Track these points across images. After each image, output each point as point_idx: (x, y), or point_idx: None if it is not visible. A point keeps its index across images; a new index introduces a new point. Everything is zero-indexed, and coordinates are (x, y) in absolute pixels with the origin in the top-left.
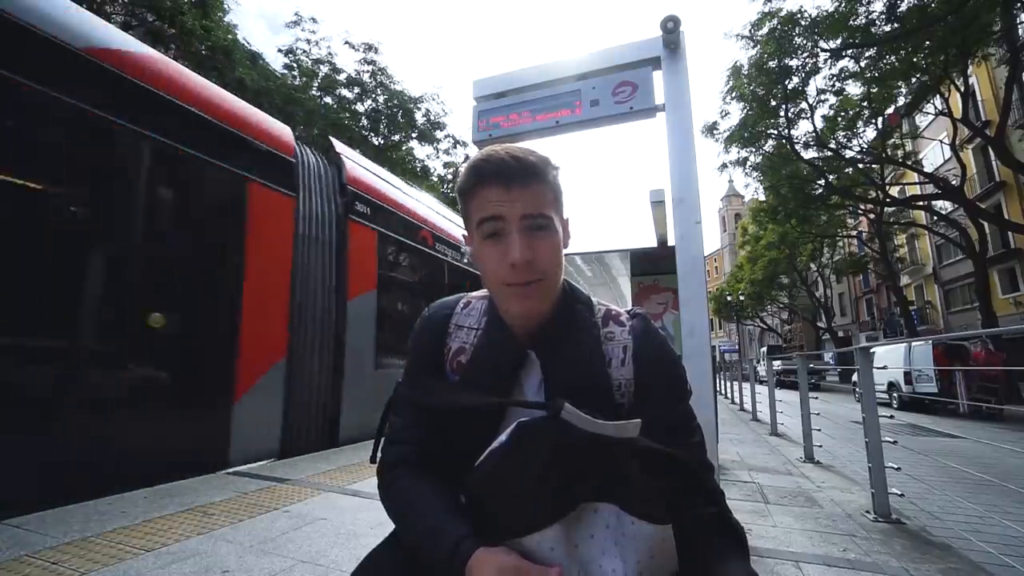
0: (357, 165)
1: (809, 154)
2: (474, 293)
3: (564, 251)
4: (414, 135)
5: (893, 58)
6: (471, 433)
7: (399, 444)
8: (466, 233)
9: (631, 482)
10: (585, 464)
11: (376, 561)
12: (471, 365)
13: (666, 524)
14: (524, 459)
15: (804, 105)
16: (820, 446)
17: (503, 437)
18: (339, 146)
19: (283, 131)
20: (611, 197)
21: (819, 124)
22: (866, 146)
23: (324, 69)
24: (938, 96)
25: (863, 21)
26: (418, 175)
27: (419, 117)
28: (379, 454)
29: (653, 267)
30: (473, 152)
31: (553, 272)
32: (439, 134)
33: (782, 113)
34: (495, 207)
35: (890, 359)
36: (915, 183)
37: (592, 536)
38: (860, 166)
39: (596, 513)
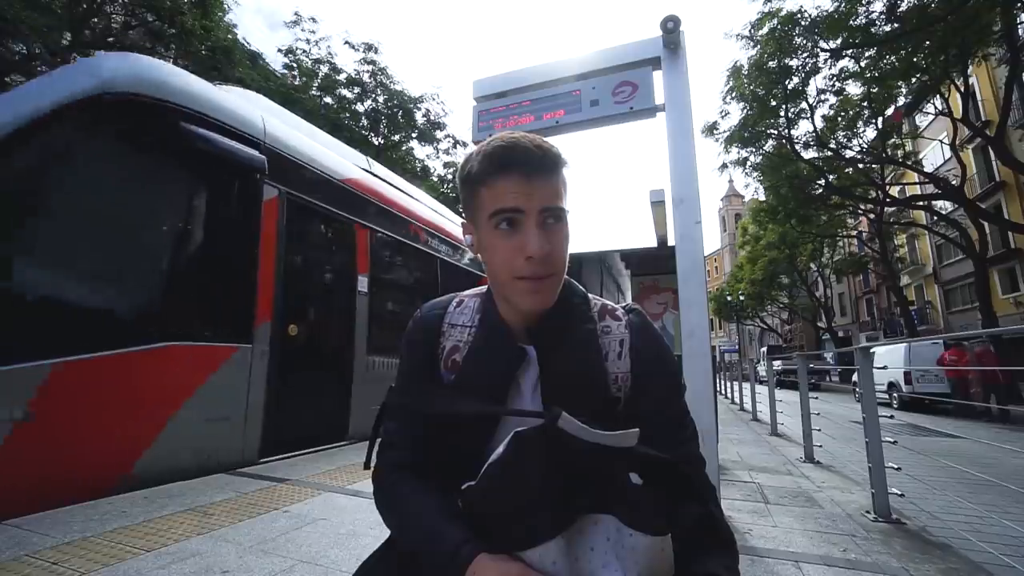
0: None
1: (809, 154)
2: (466, 292)
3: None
4: (414, 135)
5: (893, 58)
6: (467, 437)
7: (394, 449)
8: (465, 221)
9: (629, 492)
10: (583, 474)
11: (371, 569)
12: (467, 364)
13: (664, 535)
14: (522, 470)
15: (804, 105)
16: (820, 446)
17: (500, 449)
18: None
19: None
20: (611, 197)
21: (819, 124)
22: (866, 146)
23: (324, 69)
24: (938, 96)
25: (863, 21)
26: (418, 175)
27: (419, 117)
28: (373, 459)
29: (653, 267)
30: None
31: (563, 267)
32: (439, 134)
33: (782, 113)
34: (515, 198)
35: (890, 359)
36: (915, 183)
37: (592, 549)
38: (860, 166)
39: (596, 525)
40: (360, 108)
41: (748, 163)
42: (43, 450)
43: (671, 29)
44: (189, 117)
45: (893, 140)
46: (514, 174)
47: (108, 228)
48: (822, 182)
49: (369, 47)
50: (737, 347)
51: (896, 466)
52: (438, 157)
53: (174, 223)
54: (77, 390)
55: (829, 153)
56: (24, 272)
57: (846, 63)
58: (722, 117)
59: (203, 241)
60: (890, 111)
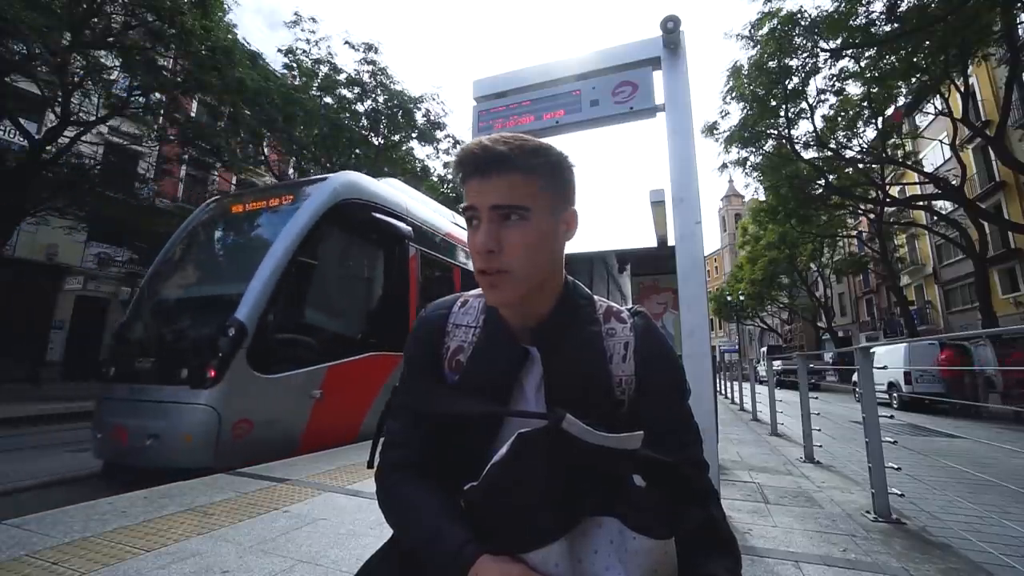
0: None
1: (809, 154)
2: (471, 292)
3: (567, 244)
4: (414, 135)
5: (893, 58)
6: (470, 438)
7: (397, 449)
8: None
9: (633, 495)
10: (587, 476)
11: (374, 569)
12: (470, 364)
13: (668, 539)
14: (525, 472)
15: (804, 105)
16: (820, 446)
17: (503, 450)
18: None
19: None
20: (611, 197)
21: (819, 124)
22: (866, 146)
23: (324, 69)
24: (938, 96)
25: (863, 21)
26: (418, 175)
27: (419, 117)
28: (376, 459)
29: (653, 267)
30: None
31: (523, 265)
32: (439, 134)
33: (782, 113)
34: (472, 197)
35: (890, 359)
36: (915, 183)
37: (596, 551)
38: (860, 166)
39: (600, 528)
40: (360, 108)
41: (748, 163)
42: (329, 415)
43: (671, 29)
44: (376, 208)
45: (893, 140)
46: (472, 175)
47: (347, 283)
48: (822, 182)
49: (369, 47)
50: (737, 347)
51: (896, 466)
52: (438, 157)
53: (375, 276)
54: (339, 381)
55: (829, 153)
56: (314, 314)
57: (846, 63)
58: (722, 117)
59: (387, 286)
60: (890, 111)
